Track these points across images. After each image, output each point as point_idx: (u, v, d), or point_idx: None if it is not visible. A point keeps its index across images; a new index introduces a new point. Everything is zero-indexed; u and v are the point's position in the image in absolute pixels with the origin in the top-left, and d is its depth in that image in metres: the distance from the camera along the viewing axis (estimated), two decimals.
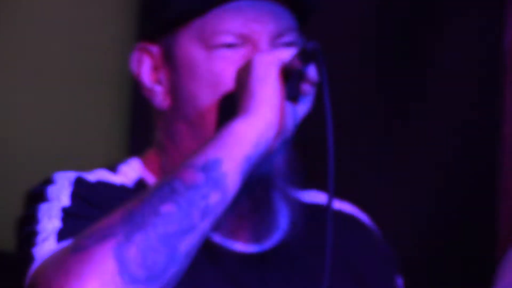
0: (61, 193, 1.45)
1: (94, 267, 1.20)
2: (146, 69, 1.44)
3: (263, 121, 1.32)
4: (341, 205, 1.68)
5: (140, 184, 1.47)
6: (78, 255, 1.21)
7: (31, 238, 1.39)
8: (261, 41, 1.45)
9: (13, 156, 3.88)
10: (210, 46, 1.41)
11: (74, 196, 1.44)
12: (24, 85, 3.90)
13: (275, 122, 1.34)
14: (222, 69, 1.41)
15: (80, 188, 1.45)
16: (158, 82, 1.44)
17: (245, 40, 1.44)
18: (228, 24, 1.44)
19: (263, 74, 1.34)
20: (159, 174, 1.49)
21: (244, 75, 1.34)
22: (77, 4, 4.13)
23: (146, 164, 1.51)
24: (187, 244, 1.21)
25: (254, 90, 1.33)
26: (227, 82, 1.40)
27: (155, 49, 1.44)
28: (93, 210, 1.41)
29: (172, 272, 1.24)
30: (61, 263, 1.24)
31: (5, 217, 3.38)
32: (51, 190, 1.45)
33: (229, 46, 1.41)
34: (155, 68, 1.43)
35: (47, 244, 1.35)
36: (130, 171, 1.51)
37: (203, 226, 1.25)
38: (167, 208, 1.19)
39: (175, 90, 1.43)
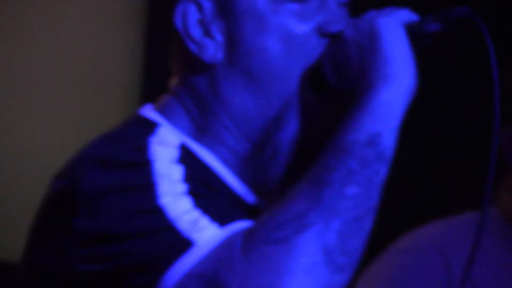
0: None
1: (302, 259, 1.16)
2: (193, 22, 1.35)
3: (407, 88, 1.30)
4: None
5: (184, 151, 1.33)
6: (281, 247, 1.15)
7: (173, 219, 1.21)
8: None
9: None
10: None
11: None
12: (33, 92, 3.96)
13: (415, 88, 1.32)
14: (294, 23, 1.36)
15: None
16: (208, 35, 1.35)
17: None
18: None
19: (395, 38, 1.32)
20: (196, 134, 1.38)
21: (366, 38, 1.30)
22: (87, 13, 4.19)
23: (175, 122, 1.39)
24: (371, 225, 1.19)
25: (390, 55, 1.29)
26: (300, 38, 1.36)
27: (205, 0, 1.36)
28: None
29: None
30: (263, 256, 1.16)
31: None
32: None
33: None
34: (203, 21, 1.35)
35: (206, 229, 1.19)
36: (169, 136, 1.36)
37: (378, 203, 1.23)
38: (352, 190, 1.16)
39: (235, 43, 1.35)
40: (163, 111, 1.38)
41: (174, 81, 1.41)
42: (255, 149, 1.36)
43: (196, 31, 1.31)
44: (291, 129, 1.37)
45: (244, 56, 1.33)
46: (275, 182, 1.40)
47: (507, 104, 1.55)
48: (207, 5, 1.35)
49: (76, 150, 1.40)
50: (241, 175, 1.37)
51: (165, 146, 1.31)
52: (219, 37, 1.31)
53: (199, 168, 1.34)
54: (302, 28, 1.36)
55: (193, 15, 1.34)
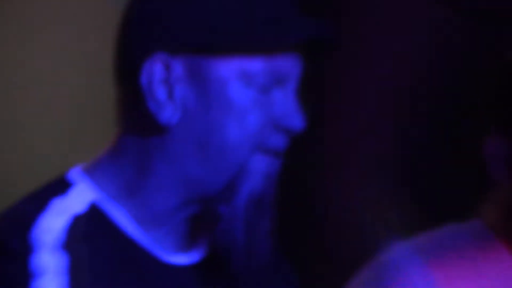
0: None
1: None
2: (159, 80, 1.32)
3: None
4: None
5: (93, 210, 1.31)
6: None
7: None
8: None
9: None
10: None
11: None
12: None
13: None
14: (255, 112, 1.39)
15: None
16: (170, 97, 1.32)
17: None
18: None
19: None
20: (120, 195, 1.35)
21: None
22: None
23: (99, 181, 1.35)
24: None
25: None
26: (257, 127, 1.38)
27: (175, 63, 1.33)
28: None
29: None
30: None
31: None
32: None
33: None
34: (168, 81, 1.31)
35: None
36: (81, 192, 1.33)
37: None
38: None
39: (195, 113, 1.34)
40: (91, 169, 1.35)
41: (117, 131, 1.40)
42: (199, 212, 1.36)
43: (160, 91, 1.29)
44: (243, 195, 1.36)
45: (201, 127, 1.33)
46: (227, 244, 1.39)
47: (490, 115, 1.72)
48: (177, 66, 1.32)
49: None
50: (170, 234, 1.37)
51: (60, 215, 1.27)
52: (179, 101, 1.29)
53: (106, 228, 1.31)
54: (260, 117, 1.36)
55: (159, 73, 1.31)
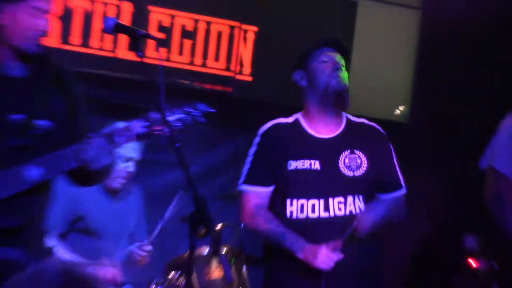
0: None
1: None
2: (298, 77, 3.94)
3: None
4: (364, 120, 4.01)
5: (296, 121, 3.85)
6: None
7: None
8: None
9: None
10: None
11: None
12: None
13: None
14: None
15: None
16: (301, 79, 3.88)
17: None
18: None
19: None
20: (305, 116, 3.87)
21: None
22: None
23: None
24: None
25: None
26: None
27: (300, 73, 3.93)
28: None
29: None
30: None
31: None
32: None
33: None
34: (302, 76, 3.89)
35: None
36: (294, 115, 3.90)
37: None
38: None
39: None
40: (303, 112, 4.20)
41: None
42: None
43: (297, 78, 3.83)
44: None
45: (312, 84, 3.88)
46: None
47: None
48: (301, 73, 3.80)
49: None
50: None
51: (283, 120, 4.25)
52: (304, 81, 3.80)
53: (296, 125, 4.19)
54: None
55: (298, 75, 3.79)
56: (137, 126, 3.36)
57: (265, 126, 4.03)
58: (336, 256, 3.72)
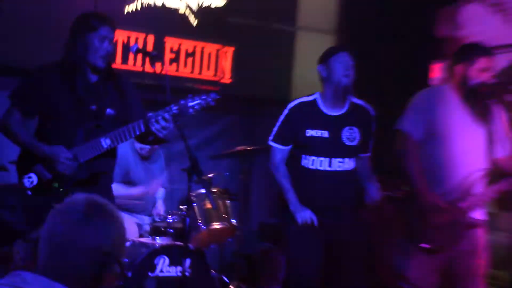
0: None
1: None
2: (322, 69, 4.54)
3: None
4: (361, 102, 4.56)
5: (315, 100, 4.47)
6: None
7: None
8: None
9: None
10: None
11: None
12: None
13: None
14: None
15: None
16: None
17: None
18: None
19: None
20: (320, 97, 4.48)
21: None
22: None
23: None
24: None
25: None
26: None
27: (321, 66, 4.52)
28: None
29: None
30: None
31: None
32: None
33: None
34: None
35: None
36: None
37: None
38: None
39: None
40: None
41: None
42: None
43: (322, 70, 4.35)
44: None
45: None
46: None
47: None
48: (323, 67, 4.41)
49: None
50: None
51: (303, 99, 4.76)
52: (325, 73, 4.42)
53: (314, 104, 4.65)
54: None
55: (321, 67, 4.41)
56: (175, 108, 4.11)
57: (293, 102, 4.71)
58: (313, 218, 4.50)
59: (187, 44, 6.64)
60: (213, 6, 6.76)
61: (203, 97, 4.17)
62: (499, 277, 6.87)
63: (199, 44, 6.72)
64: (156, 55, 4.25)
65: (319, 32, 7.34)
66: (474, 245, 4.66)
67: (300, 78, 7.14)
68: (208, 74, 6.78)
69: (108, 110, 4.28)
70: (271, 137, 4.68)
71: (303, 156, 4.58)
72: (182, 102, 4.11)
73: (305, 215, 4.52)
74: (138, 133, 4.10)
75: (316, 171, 4.57)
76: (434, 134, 4.72)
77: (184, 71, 6.60)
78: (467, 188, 4.64)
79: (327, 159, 4.57)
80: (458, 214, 4.61)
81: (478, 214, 4.64)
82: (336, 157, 4.58)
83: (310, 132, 4.54)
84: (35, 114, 4.21)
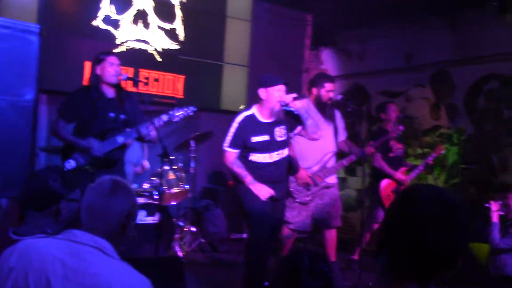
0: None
1: None
2: None
3: None
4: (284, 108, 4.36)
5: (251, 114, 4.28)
6: None
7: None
8: None
9: None
10: None
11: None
12: None
13: None
14: None
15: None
16: None
17: None
18: None
19: None
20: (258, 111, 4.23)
21: None
22: None
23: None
24: None
25: None
26: None
27: None
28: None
29: None
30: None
31: None
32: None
33: None
34: None
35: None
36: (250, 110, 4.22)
37: None
38: None
39: None
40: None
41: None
42: None
43: None
44: None
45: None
46: None
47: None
48: (263, 90, 4.19)
49: None
50: None
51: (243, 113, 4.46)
52: None
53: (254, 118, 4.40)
54: None
55: (261, 90, 4.24)
56: (165, 117, 4.11)
57: (239, 116, 4.38)
58: (270, 191, 4.34)
59: (154, 74, 6.76)
60: (171, 48, 6.88)
61: (185, 109, 4.17)
62: (349, 218, 7.39)
63: (162, 73, 6.83)
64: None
65: (238, 65, 7.51)
66: (332, 199, 4.98)
67: (226, 95, 7.43)
68: (167, 92, 6.85)
69: (121, 116, 4.15)
70: (227, 144, 4.40)
71: (250, 154, 4.40)
72: (170, 112, 4.11)
73: (264, 191, 4.33)
74: (137, 135, 4.07)
75: (261, 163, 4.41)
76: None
77: (152, 90, 6.71)
78: (324, 163, 4.90)
79: (268, 154, 4.41)
80: (318, 180, 4.84)
81: (332, 179, 4.99)
82: (274, 151, 4.44)
83: (255, 139, 4.36)
84: (73, 121, 4.11)
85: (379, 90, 7.74)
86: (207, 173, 7.39)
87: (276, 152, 4.47)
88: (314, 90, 5.02)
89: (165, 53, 6.94)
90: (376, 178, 5.86)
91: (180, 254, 5.49)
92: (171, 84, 6.95)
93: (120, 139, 4.08)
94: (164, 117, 4.14)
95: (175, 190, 5.76)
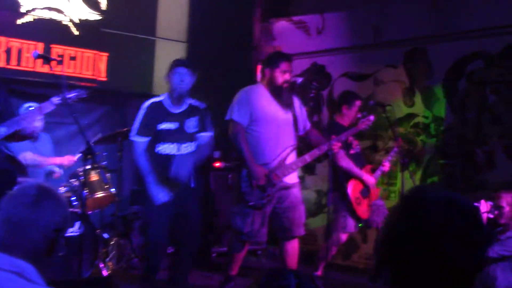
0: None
1: None
2: None
3: None
4: (194, 101, 4.92)
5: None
6: None
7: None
8: None
9: None
10: None
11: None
12: None
13: None
14: None
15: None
16: None
17: None
18: None
19: None
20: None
21: None
22: None
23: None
24: None
25: None
26: None
27: None
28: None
29: None
30: None
31: None
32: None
33: None
34: None
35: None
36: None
37: None
38: None
39: None
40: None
41: None
42: None
43: None
44: None
45: None
46: None
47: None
48: (167, 76, 4.87)
49: None
50: None
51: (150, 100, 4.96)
52: None
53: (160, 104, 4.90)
54: None
55: (167, 76, 4.78)
56: (56, 100, 4.24)
57: (148, 102, 4.87)
58: (165, 197, 4.75)
59: (70, 50, 6.78)
60: (91, 19, 6.92)
61: (77, 91, 4.41)
62: (309, 225, 7.08)
63: (80, 50, 6.86)
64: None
65: (174, 41, 7.61)
66: (292, 202, 5.09)
67: (159, 78, 7.16)
68: (87, 74, 6.89)
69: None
70: (133, 133, 4.81)
71: (157, 144, 4.75)
72: (61, 94, 4.27)
73: (160, 195, 4.69)
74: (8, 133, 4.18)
75: (168, 156, 4.75)
76: (256, 121, 5.02)
77: (68, 71, 6.62)
78: (282, 160, 5.00)
79: (176, 145, 4.76)
80: (275, 179, 4.93)
81: (292, 178, 5.08)
82: (183, 143, 4.79)
83: (161, 126, 4.75)
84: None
85: (342, 71, 7.74)
86: (137, 174, 6.94)
87: (185, 145, 4.78)
88: (267, 72, 5.10)
89: (83, 25, 6.89)
90: (341, 179, 5.85)
91: (104, 273, 5.47)
92: (92, 64, 6.95)
93: (1, 130, 4.12)
94: (55, 100, 4.22)
95: (99, 194, 5.75)
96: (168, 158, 4.76)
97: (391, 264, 1.51)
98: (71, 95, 4.36)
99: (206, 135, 4.98)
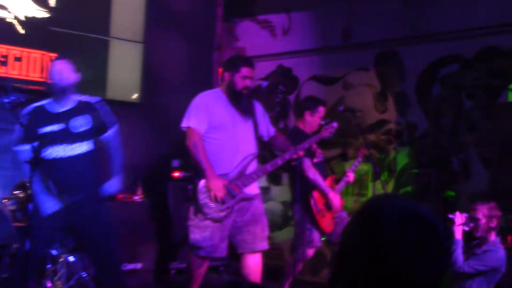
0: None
1: None
2: None
3: None
4: (85, 97, 4.88)
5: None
6: None
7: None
8: None
9: None
10: None
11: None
12: None
13: None
14: None
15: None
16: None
17: None
18: None
19: None
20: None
21: None
22: None
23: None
24: None
25: None
26: None
27: None
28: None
29: None
30: None
31: None
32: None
33: None
34: None
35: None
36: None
37: None
38: None
39: None
40: None
41: None
42: None
43: None
44: None
45: None
46: None
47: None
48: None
49: None
50: None
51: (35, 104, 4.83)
52: None
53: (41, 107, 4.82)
54: None
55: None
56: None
57: (28, 107, 4.74)
58: (52, 208, 4.65)
59: (15, 51, 6.60)
60: (38, 16, 6.74)
61: (16, 95, 4.33)
62: (274, 238, 7.34)
63: (26, 50, 6.68)
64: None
65: (129, 41, 7.50)
66: (254, 214, 5.06)
67: (113, 80, 7.39)
68: (34, 76, 6.72)
69: None
70: (15, 142, 4.69)
71: (43, 149, 4.60)
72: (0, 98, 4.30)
73: (47, 207, 4.57)
74: None
75: (55, 160, 4.65)
76: (214, 128, 4.97)
77: (13, 73, 6.52)
78: (242, 169, 4.99)
79: (62, 147, 4.64)
80: (235, 190, 4.91)
81: (253, 189, 5.05)
82: (69, 144, 4.67)
83: (43, 130, 4.64)
84: None
85: (310, 74, 7.68)
86: None
87: (71, 146, 4.69)
88: (227, 76, 5.10)
89: (30, 23, 6.78)
90: (305, 190, 5.79)
91: None
92: (39, 65, 6.83)
93: None
94: None
95: None
96: (56, 162, 4.67)
97: (343, 280, 1.50)
98: (7, 100, 4.30)
99: (108, 133, 4.91)
